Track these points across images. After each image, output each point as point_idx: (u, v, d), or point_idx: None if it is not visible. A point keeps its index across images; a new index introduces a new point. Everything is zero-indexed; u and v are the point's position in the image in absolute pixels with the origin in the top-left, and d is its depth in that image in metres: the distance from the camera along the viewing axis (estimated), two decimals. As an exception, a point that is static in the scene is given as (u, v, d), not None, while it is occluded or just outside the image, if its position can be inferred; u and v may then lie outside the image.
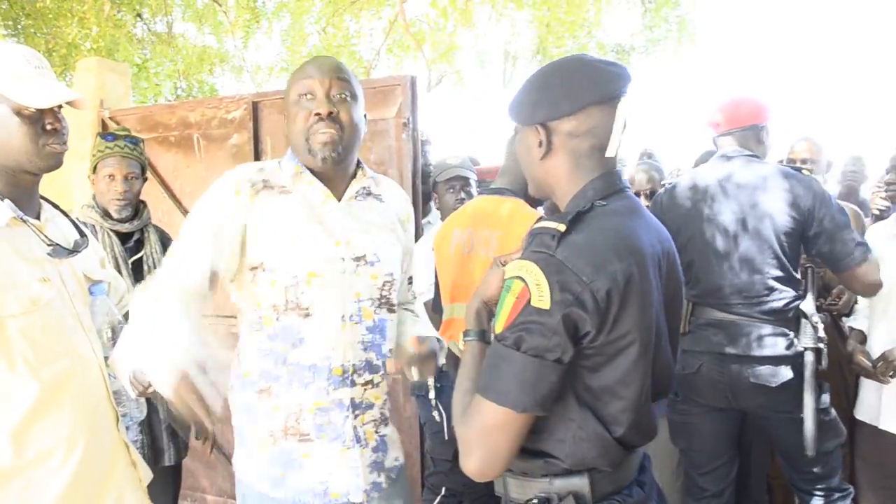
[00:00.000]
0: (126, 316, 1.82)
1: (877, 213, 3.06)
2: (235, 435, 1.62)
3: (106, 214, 2.42)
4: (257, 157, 3.46)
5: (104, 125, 3.83)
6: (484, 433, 1.13)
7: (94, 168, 2.42)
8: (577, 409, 1.18)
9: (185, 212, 3.70)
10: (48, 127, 1.44)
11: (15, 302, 1.38)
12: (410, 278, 1.87)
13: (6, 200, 1.44)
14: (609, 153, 1.25)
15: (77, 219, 2.31)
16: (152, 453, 2.43)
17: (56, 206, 1.64)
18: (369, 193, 1.68)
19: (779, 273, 2.31)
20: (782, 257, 2.31)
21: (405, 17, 5.33)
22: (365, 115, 1.64)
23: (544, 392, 1.11)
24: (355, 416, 1.58)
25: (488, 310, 1.31)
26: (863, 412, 2.52)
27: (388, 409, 1.68)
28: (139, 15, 7.05)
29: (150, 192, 3.77)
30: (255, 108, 3.45)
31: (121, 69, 4.41)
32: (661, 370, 1.27)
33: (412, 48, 6.06)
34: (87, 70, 4.09)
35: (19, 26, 4.90)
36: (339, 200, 1.61)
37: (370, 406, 1.61)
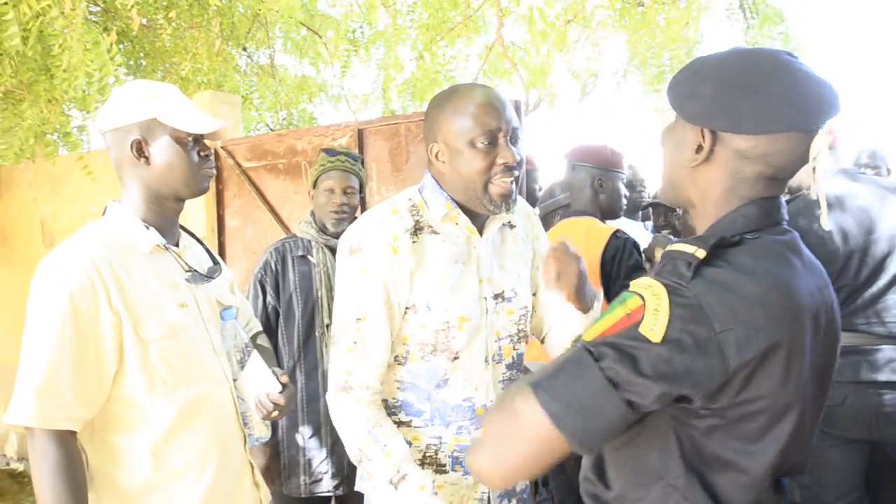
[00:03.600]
0: (254, 338, 1.89)
1: None
2: None
3: (322, 229, 2.44)
4: (362, 183, 3.53)
5: (217, 155, 4.02)
6: (508, 428, 0.95)
7: (315, 183, 2.48)
8: (684, 475, 0.99)
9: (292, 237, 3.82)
10: (202, 153, 1.54)
11: (157, 326, 1.45)
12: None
13: (151, 229, 1.52)
14: (776, 190, 1.05)
15: (294, 234, 2.49)
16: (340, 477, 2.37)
17: (192, 235, 1.73)
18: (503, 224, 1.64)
19: None
20: None
21: (503, 42, 5.38)
22: None
23: (594, 426, 0.92)
24: None
25: None
26: None
27: None
28: (244, 48, 7.40)
29: (260, 219, 3.94)
30: (360, 135, 3.53)
31: (232, 101, 4.63)
32: (796, 444, 1.03)
33: (508, 72, 6.10)
34: (201, 103, 4.31)
35: (140, 65, 5.25)
36: (481, 234, 1.56)
37: None
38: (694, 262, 0.95)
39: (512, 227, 1.66)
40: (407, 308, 1.49)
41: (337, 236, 2.41)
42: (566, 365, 0.95)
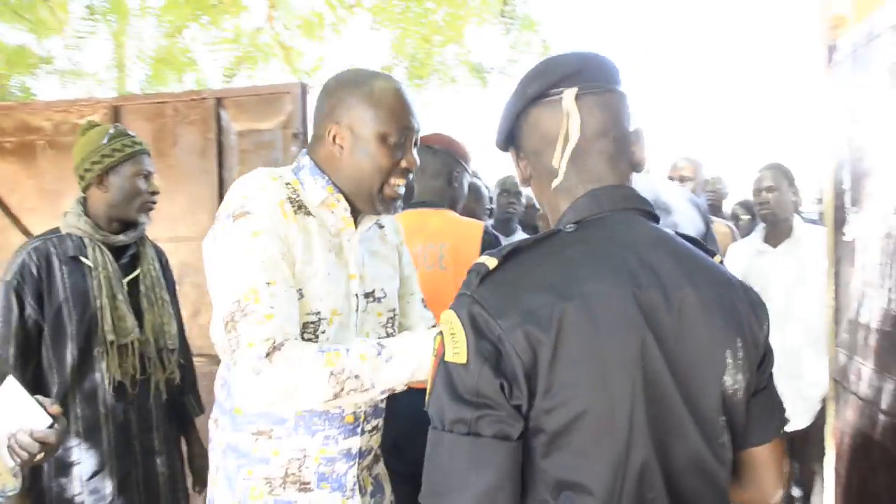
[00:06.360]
0: None
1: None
2: (219, 478, 1.45)
3: (97, 226, 2.02)
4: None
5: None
6: None
7: (106, 171, 2.01)
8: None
9: (24, 230, 3.22)
10: None
11: None
12: (423, 299, 1.69)
13: None
14: (553, 162, 0.99)
15: (57, 230, 2.03)
16: None
17: None
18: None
19: None
20: None
21: (273, 24, 5.07)
22: None
23: (490, 484, 0.84)
24: (358, 465, 1.46)
25: None
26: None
27: (379, 448, 1.57)
28: (-61, 6, 6.24)
29: (-20, 208, 3.25)
30: (116, 113, 3.09)
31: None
32: (684, 463, 0.91)
33: (279, 57, 5.79)
34: None
35: None
36: (356, 228, 1.46)
37: (370, 451, 1.50)
38: (483, 270, 0.92)
39: (381, 226, 1.59)
40: None
41: (117, 231, 2.06)
42: (429, 454, 0.90)
